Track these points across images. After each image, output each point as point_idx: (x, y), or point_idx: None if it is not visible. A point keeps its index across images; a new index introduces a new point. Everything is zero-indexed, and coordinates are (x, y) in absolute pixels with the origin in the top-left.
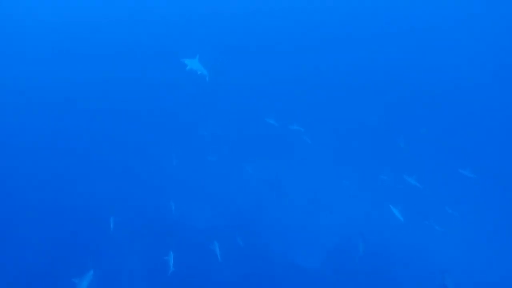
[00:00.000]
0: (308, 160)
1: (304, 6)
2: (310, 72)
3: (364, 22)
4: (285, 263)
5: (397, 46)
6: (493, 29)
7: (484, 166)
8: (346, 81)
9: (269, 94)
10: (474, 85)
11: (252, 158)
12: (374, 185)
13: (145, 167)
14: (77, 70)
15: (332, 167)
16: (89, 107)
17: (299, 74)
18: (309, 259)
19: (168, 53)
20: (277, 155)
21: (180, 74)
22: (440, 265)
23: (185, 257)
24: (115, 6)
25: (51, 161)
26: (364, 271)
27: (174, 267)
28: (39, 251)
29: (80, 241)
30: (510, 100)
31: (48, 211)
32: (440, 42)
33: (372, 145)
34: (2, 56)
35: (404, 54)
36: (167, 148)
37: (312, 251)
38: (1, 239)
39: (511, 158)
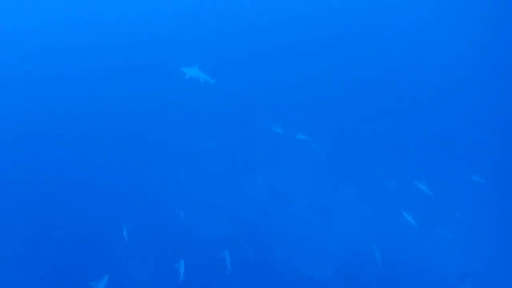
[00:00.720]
0: (317, 168)
1: (308, 14)
2: (315, 79)
3: (370, 28)
4: (295, 273)
5: (407, 51)
6: (503, 30)
7: (494, 171)
8: (354, 88)
9: (273, 103)
10: (485, 90)
11: (261, 167)
12: (383, 193)
13: (155, 179)
14: (83, 91)
15: (341, 174)
16: (98, 122)
17: (304, 81)
18: (318, 269)
19: (169, 66)
20: (285, 163)
21: (184, 86)
22: (453, 272)
23: (195, 265)
24: (106, 20)
25: (68, 176)
26: (375, 281)
27: (184, 275)
28: (60, 258)
29: (96, 248)
30: None
31: (67, 221)
32: (454, 44)
33: (381, 152)
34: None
35: (413, 60)
36: (176, 160)
37: (322, 261)
38: (26, 248)
39: None
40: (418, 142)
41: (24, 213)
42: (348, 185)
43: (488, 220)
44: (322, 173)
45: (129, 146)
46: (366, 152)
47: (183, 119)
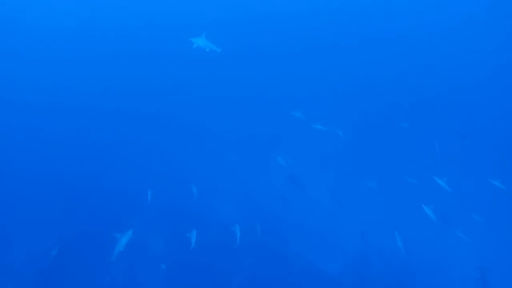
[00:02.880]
0: (338, 159)
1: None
2: (344, 71)
3: (397, 22)
4: (302, 260)
5: (435, 49)
6: None
7: None
8: (380, 82)
9: (298, 92)
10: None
11: (282, 151)
12: (403, 188)
13: (182, 157)
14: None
15: (361, 167)
16: (130, 105)
17: (332, 73)
18: (327, 260)
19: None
20: (307, 150)
21: (205, 68)
22: (466, 272)
23: (207, 236)
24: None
25: (106, 149)
26: (386, 277)
27: (195, 244)
28: (95, 212)
29: (125, 207)
30: None
31: (104, 183)
32: (482, 43)
33: (404, 147)
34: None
35: (443, 57)
36: (198, 142)
37: (332, 252)
38: (68, 201)
39: None
40: (442, 139)
41: (70, 175)
42: (367, 178)
43: (504, 226)
44: (343, 164)
45: (160, 127)
46: (389, 146)
47: (208, 101)
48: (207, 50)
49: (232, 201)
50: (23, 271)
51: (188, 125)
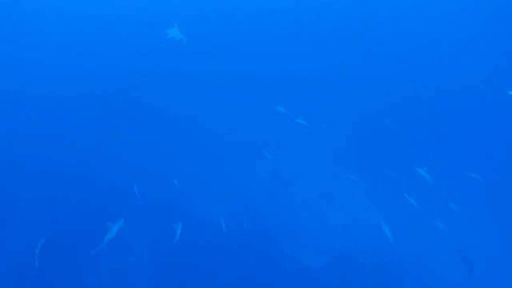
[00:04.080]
0: (322, 153)
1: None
2: (329, 67)
3: (382, 20)
4: (287, 257)
5: (415, 45)
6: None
7: (493, 169)
8: (363, 81)
9: (283, 86)
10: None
11: (268, 146)
12: (385, 181)
13: (168, 149)
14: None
15: (344, 161)
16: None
17: (319, 70)
18: (312, 256)
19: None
20: (293, 143)
21: (189, 62)
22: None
23: (191, 229)
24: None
25: (96, 147)
26: (372, 273)
27: (180, 236)
28: (88, 203)
29: (115, 200)
30: None
31: (94, 181)
32: (456, 43)
33: (386, 143)
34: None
35: (422, 54)
36: (183, 136)
37: (317, 248)
38: (63, 193)
39: None
40: (422, 136)
41: (56, 171)
42: (349, 172)
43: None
44: (327, 158)
45: (145, 122)
46: (371, 142)
47: (194, 96)
48: (177, 39)
49: (218, 197)
50: (11, 262)
51: (174, 120)
